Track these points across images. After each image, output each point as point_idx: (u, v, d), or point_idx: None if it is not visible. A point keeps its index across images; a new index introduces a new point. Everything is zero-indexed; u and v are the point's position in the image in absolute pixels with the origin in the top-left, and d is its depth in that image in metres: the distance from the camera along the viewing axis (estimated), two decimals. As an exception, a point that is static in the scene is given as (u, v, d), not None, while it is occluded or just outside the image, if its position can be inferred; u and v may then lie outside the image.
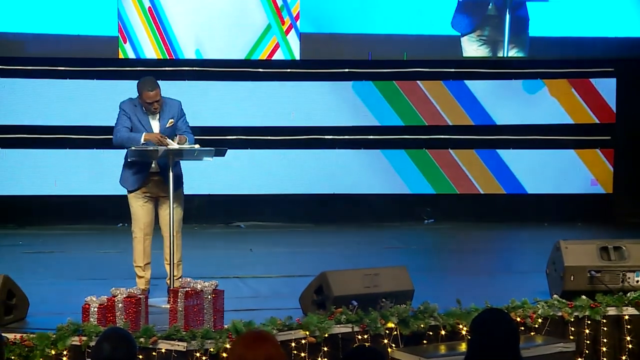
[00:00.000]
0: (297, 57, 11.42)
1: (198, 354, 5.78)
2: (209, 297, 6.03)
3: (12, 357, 5.68)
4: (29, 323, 6.31)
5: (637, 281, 6.81)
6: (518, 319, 6.41)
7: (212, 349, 5.80)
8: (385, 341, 6.17)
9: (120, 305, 5.91)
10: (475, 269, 8.98)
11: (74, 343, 5.75)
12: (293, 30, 11.39)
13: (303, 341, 6.02)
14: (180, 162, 7.02)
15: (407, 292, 6.55)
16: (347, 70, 11.57)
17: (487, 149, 11.79)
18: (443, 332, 6.30)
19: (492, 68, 11.71)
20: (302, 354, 6.00)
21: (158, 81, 6.97)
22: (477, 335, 3.99)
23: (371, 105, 11.59)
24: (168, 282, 6.90)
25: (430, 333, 6.29)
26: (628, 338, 6.57)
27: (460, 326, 6.30)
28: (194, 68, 11.32)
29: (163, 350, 5.78)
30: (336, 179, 11.51)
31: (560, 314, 6.56)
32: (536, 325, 6.49)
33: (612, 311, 6.62)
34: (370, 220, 11.48)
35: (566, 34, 11.69)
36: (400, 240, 10.44)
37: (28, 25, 10.96)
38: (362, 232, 11.02)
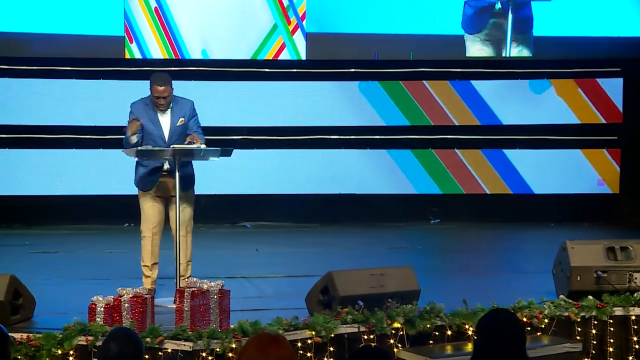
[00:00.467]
0: (303, 57, 11.42)
1: (204, 354, 5.79)
2: (215, 297, 6.04)
3: (19, 357, 5.69)
4: (35, 323, 6.32)
5: (644, 281, 6.80)
6: (524, 319, 6.40)
7: (218, 349, 5.81)
8: (392, 341, 6.17)
9: (126, 305, 5.91)
10: (482, 269, 8.97)
11: (80, 343, 5.76)
12: (299, 30, 11.39)
13: (309, 341, 6.02)
14: (192, 162, 7.03)
15: (413, 292, 6.55)
16: (353, 70, 11.57)
17: (493, 149, 11.78)
18: (449, 332, 6.30)
19: (499, 68, 11.69)
20: (308, 354, 6.00)
21: (165, 81, 6.99)
22: (484, 336, 3.99)
23: (377, 105, 11.58)
24: (176, 282, 6.89)
25: (437, 333, 6.29)
26: (635, 338, 6.56)
27: (467, 326, 6.30)
28: (200, 68, 11.32)
29: (169, 350, 5.78)
30: (342, 179, 11.51)
31: (566, 314, 6.56)
32: (542, 326, 6.48)
33: (618, 311, 6.60)
34: (376, 220, 11.48)
35: (573, 33, 11.67)
36: (406, 240, 10.44)
37: (34, 25, 10.97)
38: (368, 232, 11.02)
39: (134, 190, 7.11)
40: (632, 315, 6.58)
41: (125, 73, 11.00)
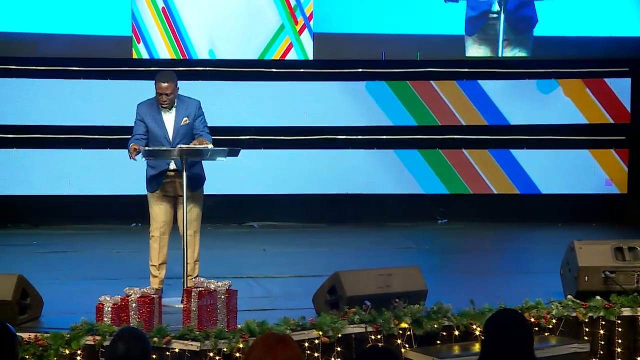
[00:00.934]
0: (310, 57, 11.42)
1: (211, 354, 5.79)
2: (223, 297, 6.04)
3: (27, 357, 5.71)
4: (43, 322, 6.33)
5: (652, 282, 6.78)
6: (532, 320, 6.39)
7: (225, 349, 5.81)
8: (399, 341, 6.17)
9: (133, 304, 5.92)
10: (489, 269, 8.96)
11: (87, 342, 5.77)
12: (306, 30, 11.39)
13: (316, 341, 6.02)
14: (202, 162, 7.03)
15: (421, 292, 6.54)
16: (360, 70, 11.56)
17: (500, 149, 11.76)
18: (456, 333, 6.29)
19: (506, 68, 11.68)
20: (316, 354, 6.00)
21: (171, 81, 7.00)
22: (491, 336, 3.98)
23: (384, 105, 11.58)
24: (183, 281, 6.89)
25: (444, 333, 6.29)
26: (643, 339, 6.55)
27: (474, 326, 6.29)
28: (207, 68, 11.33)
29: (176, 350, 5.79)
30: (349, 179, 11.50)
31: (574, 314, 6.54)
32: (550, 326, 6.47)
33: (626, 312, 6.59)
34: (383, 220, 11.47)
35: (581, 33, 11.65)
36: (414, 240, 10.43)
37: (42, 26, 10.99)
38: (375, 232, 11.01)
39: (141, 190, 7.12)
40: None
41: (133, 73, 11.01)
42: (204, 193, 7.15)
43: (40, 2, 10.99)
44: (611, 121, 11.83)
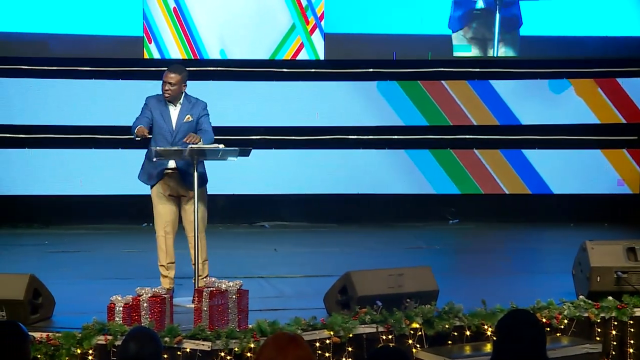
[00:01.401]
0: (322, 57, 11.42)
1: (222, 354, 5.80)
2: (234, 296, 6.04)
3: (39, 356, 5.72)
4: (54, 322, 6.35)
5: (665, 282, 6.75)
6: (544, 320, 6.38)
7: (236, 349, 5.81)
8: (410, 341, 6.16)
9: (145, 304, 5.93)
10: (500, 269, 8.94)
11: (99, 342, 5.79)
12: (317, 30, 11.39)
13: (327, 341, 6.02)
14: (205, 162, 7.04)
15: (432, 292, 6.53)
16: (371, 70, 11.55)
17: (512, 149, 11.73)
18: (468, 333, 6.28)
19: (517, 68, 11.65)
20: (327, 354, 6.00)
21: (183, 81, 7.03)
22: (503, 336, 3.97)
23: (395, 105, 11.56)
24: (194, 281, 6.90)
25: (455, 334, 6.28)
26: (655, 339, 6.53)
27: (485, 327, 6.28)
28: (219, 68, 11.33)
29: (188, 350, 5.79)
30: (360, 179, 11.50)
31: (586, 315, 6.53)
32: (562, 326, 6.46)
33: (639, 312, 6.57)
34: (394, 220, 11.46)
35: (592, 33, 11.61)
36: (425, 240, 10.41)
37: (53, 26, 11.01)
38: (386, 232, 11.00)
39: (149, 189, 7.12)
40: (652, 316, 6.55)
41: (144, 73, 11.02)
42: (207, 192, 7.14)
43: (51, 3, 11.01)
44: (623, 121, 11.79)
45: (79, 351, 5.76)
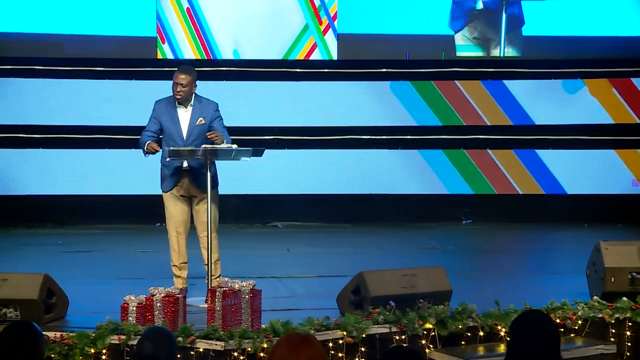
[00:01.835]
0: (335, 57, 11.41)
1: (236, 354, 5.80)
2: (247, 296, 6.05)
3: (53, 355, 5.74)
4: (68, 322, 6.36)
5: (679, 283, 6.72)
6: (558, 321, 6.35)
7: (249, 349, 5.81)
8: (423, 342, 6.15)
9: (158, 304, 5.94)
10: (514, 269, 8.92)
11: (113, 342, 5.80)
12: (330, 30, 11.38)
13: (340, 341, 6.01)
14: (215, 162, 7.03)
15: (445, 292, 6.52)
16: (384, 70, 11.54)
17: (526, 149, 11.70)
18: (481, 333, 6.27)
19: (531, 68, 11.62)
20: (340, 354, 5.99)
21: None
22: (517, 337, 3.96)
23: (409, 105, 11.55)
24: (206, 281, 6.91)
25: (469, 334, 6.26)
26: (670, 340, 6.49)
27: (499, 327, 6.26)
28: (232, 68, 11.35)
29: (201, 350, 5.80)
30: (373, 179, 11.49)
31: (600, 315, 6.50)
32: (576, 327, 6.43)
33: (653, 313, 6.54)
34: (407, 220, 11.44)
35: (607, 33, 11.57)
36: (438, 240, 10.40)
37: (67, 27, 11.05)
38: (400, 233, 10.99)
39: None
40: (667, 317, 6.52)
41: (158, 73, 11.03)
42: (219, 193, 7.14)
43: (65, 4, 11.05)
44: (637, 121, 11.73)
45: (92, 351, 5.78)
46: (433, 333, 6.17)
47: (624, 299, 6.57)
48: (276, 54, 11.38)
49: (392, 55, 11.54)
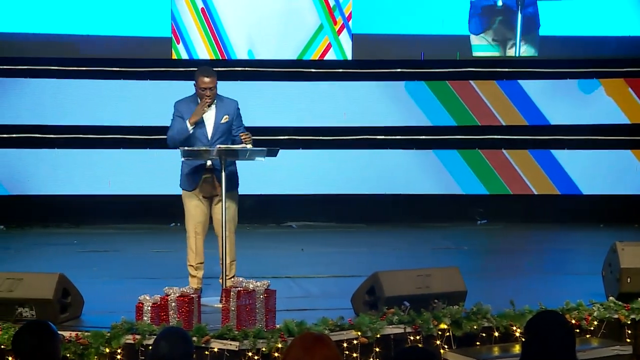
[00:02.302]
0: (349, 57, 11.41)
1: (250, 354, 5.80)
2: (261, 296, 6.05)
3: (68, 355, 5.75)
4: (83, 321, 6.38)
5: (696, 284, 6.68)
6: (573, 321, 6.33)
7: (264, 349, 5.82)
8: (438, 342, 6.14)
9: (173, 304, 5.94)
10: (529, 270, 8.90)
11: (127, 341, 5.81)
12: (345, 30, 11.38)
13: (355, 341, 6.01)
14: (236, 162, 7.03)
15: (460, 293, 6.51)
16: (399, 70, 11.53)
17: (541, 149, 11.67)
18: (496, 334, 6.25)
19: (546, 67, 11.58)
20: (354, 354, 5.99)
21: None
22: (532, 337, 3.95)
23: (423, 105, 11.54)
24: (221, 281, 6.91)
25: (484, 334, 6.25)
26: (686, 341, 6.45)
27: (514, 328, 6.24)
28: (246, 68, 11.36)
29: (215, 350, 5.80)
30: (388, 179, 11.48)
31: (616, 316, 6.47)
32: (592, 328, 6.41)
33: (669, 314, 6.50)
34: (422, 220, 11.43)
35: (623, 33, 11.53)
36: (453, 240, 10.38)
37: (82, 27, 11.09)
38: (414, 233, 10.97)
39: (180, 190, 7.14)
40: (683, 318, 6.48)
41: (172, 74, 11.07)
42: (239, 193, 7.15)
43: (81, 4, 11.09)
44: (654, 121, 11.69)
45: (107, 350, 5.79)
46: (448, 333, 6.16)
47: (640, 299, 6.55)
48: (291, 54, 11.38)
49: (407, 56, 11.53)
